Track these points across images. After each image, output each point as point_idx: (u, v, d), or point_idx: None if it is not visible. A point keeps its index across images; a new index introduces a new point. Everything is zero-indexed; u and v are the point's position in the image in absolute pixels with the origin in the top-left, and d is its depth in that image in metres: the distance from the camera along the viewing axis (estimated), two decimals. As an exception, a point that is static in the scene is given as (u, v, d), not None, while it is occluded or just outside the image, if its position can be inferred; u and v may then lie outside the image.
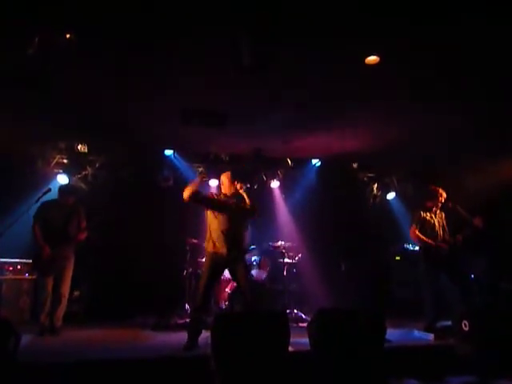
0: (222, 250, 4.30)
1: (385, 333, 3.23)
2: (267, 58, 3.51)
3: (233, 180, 4.56)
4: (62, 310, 5.01)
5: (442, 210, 5.44)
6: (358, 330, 3.00)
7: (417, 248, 6.19)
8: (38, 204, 4.92)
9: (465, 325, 3.93)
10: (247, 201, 4.45)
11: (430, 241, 5.20)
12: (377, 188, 7.78)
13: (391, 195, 7.68)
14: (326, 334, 2.86)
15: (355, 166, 7.50)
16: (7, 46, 3.56)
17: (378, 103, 4.96)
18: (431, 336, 4.57)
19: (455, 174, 6.93)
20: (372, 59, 3.81)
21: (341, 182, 7.57)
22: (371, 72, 4.00)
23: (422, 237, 5.24)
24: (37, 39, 3.14)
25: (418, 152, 6.62)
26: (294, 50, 3.73)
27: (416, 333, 4.84)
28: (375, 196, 7.77)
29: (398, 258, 7.24)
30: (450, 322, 4.44)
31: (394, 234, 7.35)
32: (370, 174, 7.72)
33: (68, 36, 3.12)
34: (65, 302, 5.04)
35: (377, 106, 5.05)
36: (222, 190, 4.64)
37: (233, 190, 4.54)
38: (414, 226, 5.35)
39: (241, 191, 4.49)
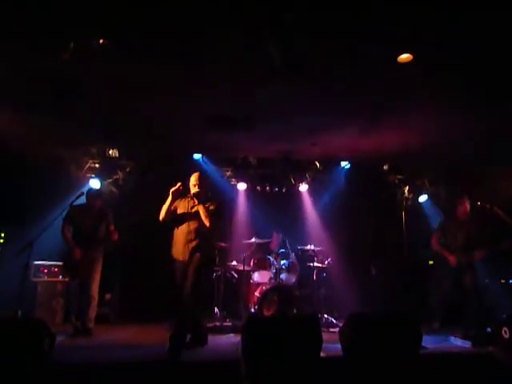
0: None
1: (420, 339, 3.14)
2: (301, 59, 3.48)
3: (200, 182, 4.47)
4: (93, 312, 5.09)
5: (473, 218, 5.56)
6: (392, 336, 2.91)
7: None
8: (67, 208, 5.05)
9: (505, 332, 3.78)
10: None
11: (444, 252, 5.51)
12: (408, 190, 7.59)
13: (423, 198, 7.47)
14: (359, 340, 2.80)
15: (386, 167, 7.34)
16: (41, 51, 3.67)
17: (410, 103, 4.83)
18: (469, 343, 4.40)
19: (491, 176, 6.69)
20: (405, 57, 3.71)
21: (371, 185, 7.42)
22: (404, 70, 3.89)
23: (438, 246, 5.61)
24: (72, 44, 3.22)
25: (452, 154, 6.43)
26: (322, 48, 3.67)
27: (453, 339, 4.67)
28: (407, 198, 7.57)
29: (431, 262, 7.03)
30: (488, 329, 4.27)
31: (426, 237, 7.15)
32: (400, 176, 7.54)
33: (101, 41, 3.19)
34: (95, 303, 5.12)
35: (409, 107, 4.93)
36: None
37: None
38: (435, 233, 5.74)
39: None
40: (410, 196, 7.61)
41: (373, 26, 3.32)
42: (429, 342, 4.14)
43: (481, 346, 4.21)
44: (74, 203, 4.99)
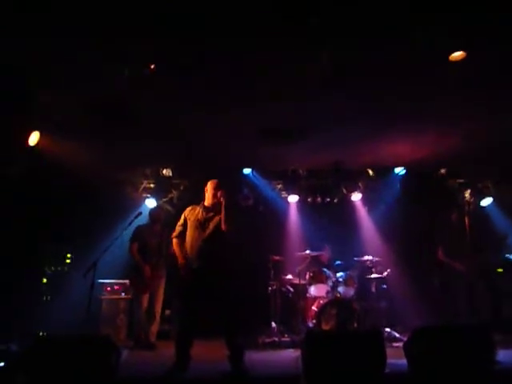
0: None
1: (494, 353, 2.91)
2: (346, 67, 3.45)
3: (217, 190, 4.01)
4: (156, 326, 5.37)
5: None
6: (463, 350, 2.73)
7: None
8: (133, 227, 5.31)
9: None
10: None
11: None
12: (470, 194, 7.18)
13: (487, 201, 7.04)
14: (426, 355, 2.64)
15: (443, 171, 7.01)
16: (99, 79, 3.90)
17: (466, 103, 4.62)
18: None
19: None
20: (458, 55, 3.55)
21: (428, 191, 7.10)
22: (458, 70, 3.73)
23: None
24: (127, 70, 3.40)
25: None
26: (371, 51, 3.61)
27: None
28: (468, 203, 7.16)
29: (499, 270, 6.58)
30: None
31: (494, 243, 6.70)
32: (460, 180, 7.16)
33: (152, 67, 3.35)
34: (158, 318, 5.40)
35: (465, 106, 4.71)
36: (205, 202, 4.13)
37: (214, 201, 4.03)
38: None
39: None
40: (472, 200, 7.19)
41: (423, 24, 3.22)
42: (504, 357, 3.84)
43: None
44: (133, 223, 5.21)
